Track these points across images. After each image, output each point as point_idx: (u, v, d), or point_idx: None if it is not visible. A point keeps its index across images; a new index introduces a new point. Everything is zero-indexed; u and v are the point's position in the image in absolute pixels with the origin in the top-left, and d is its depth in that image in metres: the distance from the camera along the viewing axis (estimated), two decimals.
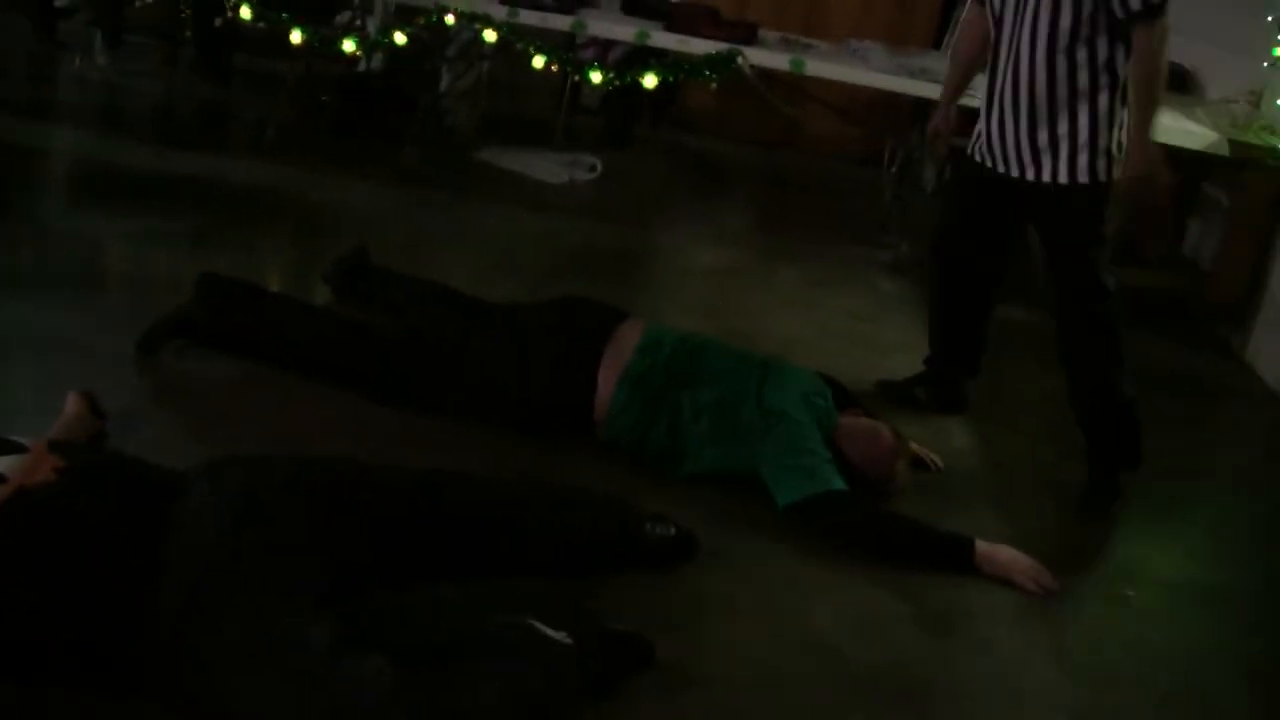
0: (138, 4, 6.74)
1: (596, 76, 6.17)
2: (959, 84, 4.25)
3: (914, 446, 3.79)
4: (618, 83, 6.15)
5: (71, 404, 3.16)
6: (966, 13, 4.15)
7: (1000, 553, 3.33)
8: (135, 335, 3.72)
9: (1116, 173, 3.69)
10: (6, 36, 7.45)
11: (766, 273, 5.73)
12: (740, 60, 6.00)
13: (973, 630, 3.13)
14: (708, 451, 3.50)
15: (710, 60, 6.03)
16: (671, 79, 6.25)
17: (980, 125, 3.92)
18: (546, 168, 6.58)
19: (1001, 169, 3.84)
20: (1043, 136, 3.71)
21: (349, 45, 6.22)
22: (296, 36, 6.12)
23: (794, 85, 6.86)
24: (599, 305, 3.80)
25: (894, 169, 6.72)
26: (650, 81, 6.11)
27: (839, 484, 3.36)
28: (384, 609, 2.49)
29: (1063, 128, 3.68)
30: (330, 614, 2.22)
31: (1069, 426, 3.86)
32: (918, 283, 5.17)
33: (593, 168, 6.74)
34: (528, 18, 6.13)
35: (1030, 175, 3.77)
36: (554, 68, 6.22)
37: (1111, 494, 3.86)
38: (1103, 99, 3.65)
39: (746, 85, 6.40)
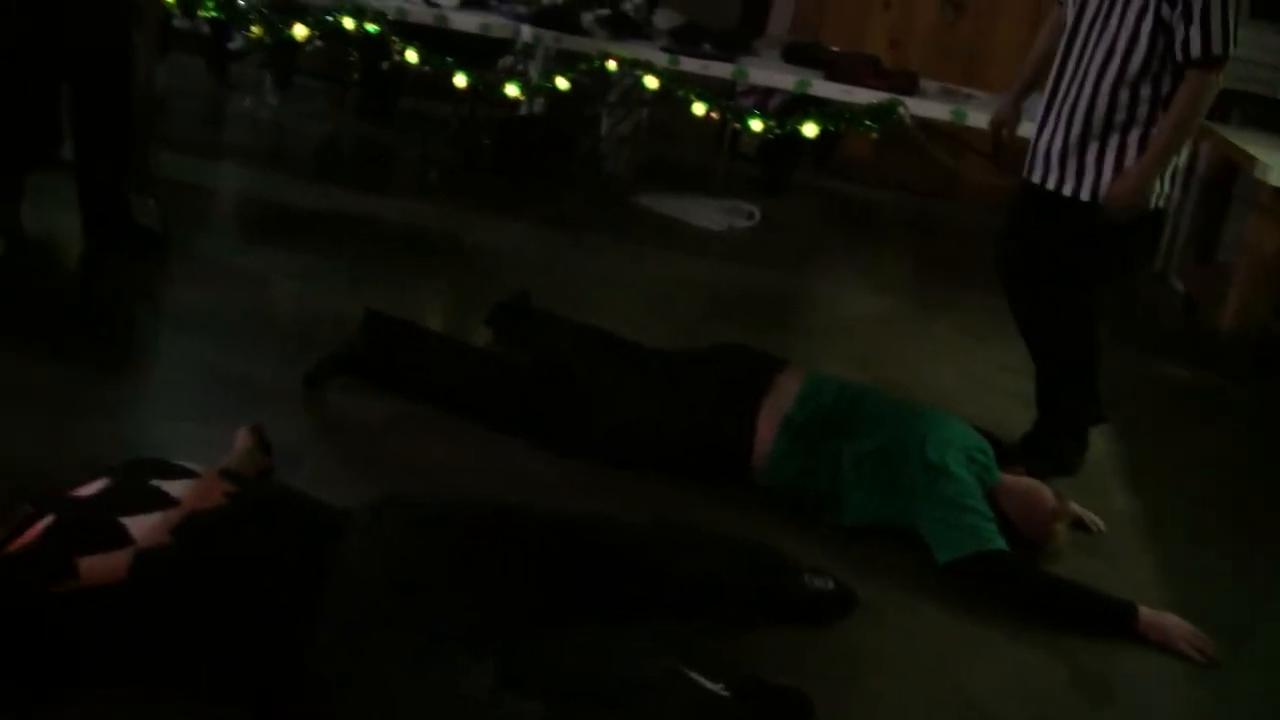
0: (308, 48, 6.92)
1: (756, 125, 6.18)
2: (1032, 79, 4.24)
3: (1074, 507, 3.72)
4: (777, 131, 6.16)
5: (241, 439, 3.25)
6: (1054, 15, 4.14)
7: (1164, 619, 3.25)
8: (300, 371, 3.81)
9: (1151, 205, 3.80)
10: (183, 78, 7.70)
11: (921, 322, 5.68)
12: (901, 110, 5.98)
13: (1133, 697, 3.04)
14: (866, 502, 3.47)
15: (871, 110, 6.02)
16: (833, 128, 6.24)
17: (1032, 139, 3.98)
18: (704, 213, 6.61)
19: (1047, 183, 3.89)
20: (1090, 154, 3.78)
21: (511, 90, 6.31)
22: (460, 80, 6.23)
23: (952, 135, 6.81)
24: (758, 352, 3.80)
25: None
26: (811, 130, 6.11)
27: (1000, 543, 3.30)
28: (538, 651, 2.50)
29: (1111, 149, 3.75)
30: (490, 655, 2.23)
31: (1234, 490, 3.76)
32: None
33: (750, 214, 6.75)
34: (688, 65, 6.18)
35: (1068, 190, 3.82)
36: (713, 115, 6.25)
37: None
38: (1155, 131, 3.70)
39: (905, 134, 6.37)
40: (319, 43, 6.80)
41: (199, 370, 3.93)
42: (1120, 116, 3.72)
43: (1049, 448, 4.10)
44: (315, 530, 2.43)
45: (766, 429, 3.53)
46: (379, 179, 6.80)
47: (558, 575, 2.57)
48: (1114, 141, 3.74)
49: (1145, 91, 3.68)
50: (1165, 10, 3.57)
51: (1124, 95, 3.70)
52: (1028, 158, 4.00)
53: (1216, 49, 3.55)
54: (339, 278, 4.91)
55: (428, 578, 2.32)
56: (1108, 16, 3.69)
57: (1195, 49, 3.55)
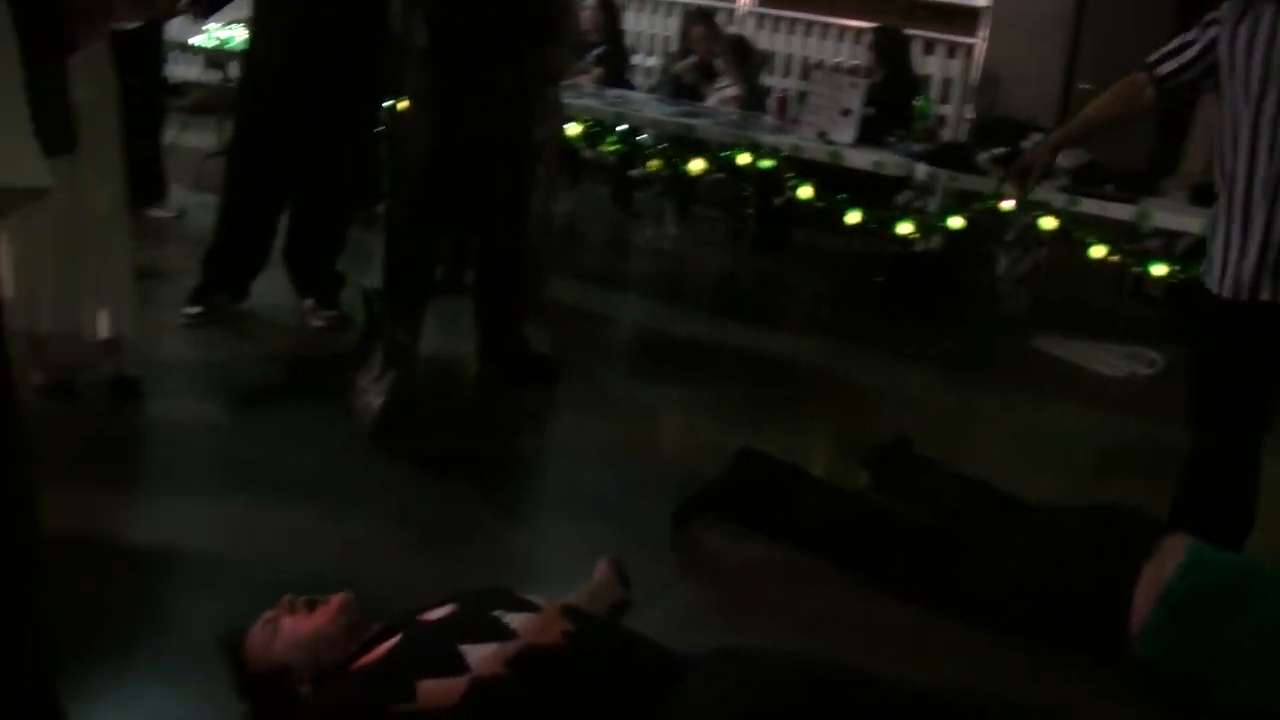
0: (707, 180, 7.08)
1: (1159, 269, 5.90)
2: (1081, 139, 4.02)
3: None
4: (1181, 275, 5.84)
5: (600, 570, 3.27)
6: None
7: None
8: (670, 505, 3.81)
9: None
10: (589, 205, 8.01)
11: None
12: None
13: None
14: (1253, 687, 3.16)
15: None
16: None
17: (1234, 257, 3.50)
18: (1103, 359, 6.30)
19: None
20: None
21: (904, 227, 6.24)
22: (853, 217, 6.21)
23: None
24: (1142, 517, 3.55)
25: None
26: None
27: None
28: None
29: None
30: None
31: None
32: None
33: (1153, 362, 6.40)
34: (1088, 206, 5.96)
35: None
36: (1114, 258, 5.99)
37: None
38: None
39: None
40: (718, 174, 6.94)
41: (573, 497, 4.02)
42: None
43: None
44: (649, 678, 2.39)
45: (1145, 599, 3.28)
46: (770, 313, 6.83)
47: None
48: None
49: None
50: None
51: None
52: (1241, 278, 3.51)
53: None
54: (724, 411, 4.93)
55: None
56: None
57: None
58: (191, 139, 8.24)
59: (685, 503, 3.82)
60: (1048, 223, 5.98)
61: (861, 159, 6.32)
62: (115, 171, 4.23)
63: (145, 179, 6.20)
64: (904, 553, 3.63)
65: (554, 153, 5.85)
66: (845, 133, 6.42)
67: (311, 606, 2.73)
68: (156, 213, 6.67)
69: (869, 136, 6.49)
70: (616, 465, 4.28)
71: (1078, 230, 5.94)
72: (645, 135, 6.94)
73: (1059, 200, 5.96)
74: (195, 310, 5.26)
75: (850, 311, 6.61)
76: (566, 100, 6.34)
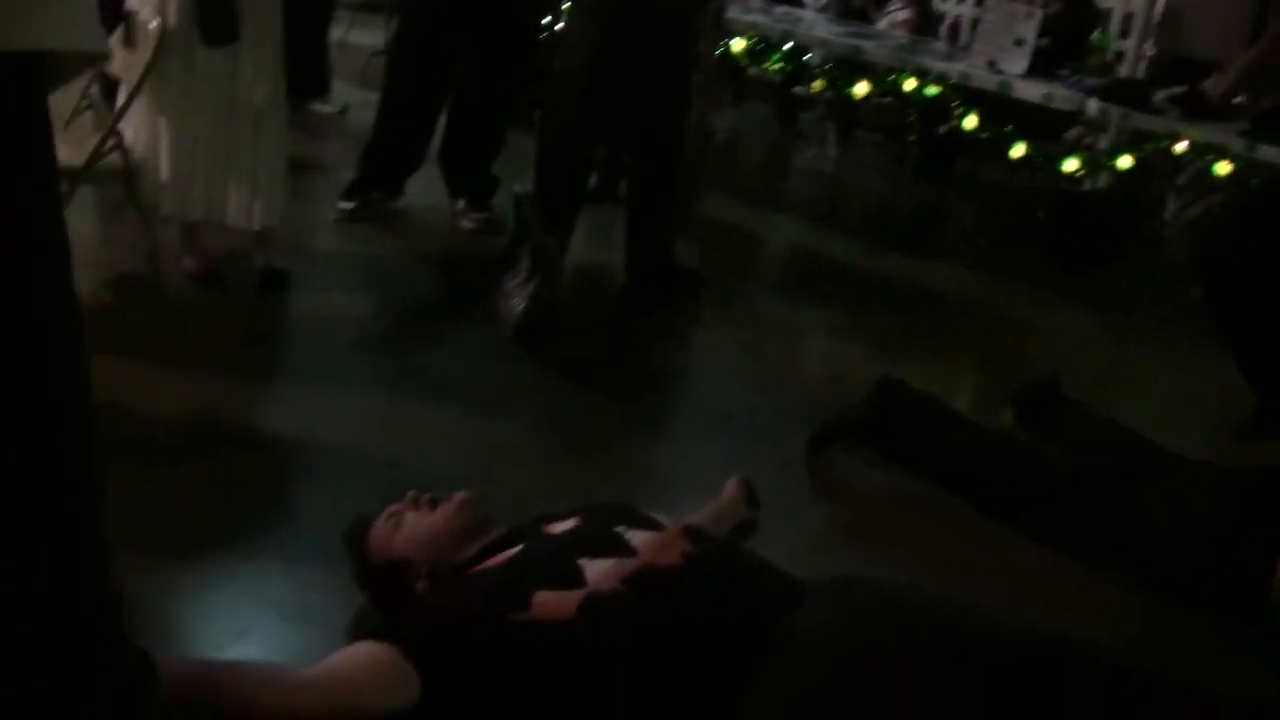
0: (871, 103, 6.94)
1: None
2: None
3: None
4: None
5: (730, 488, 3.23)
6: None
7: None
8: (809, 429, 3.76)
9: None
10: (751, 123, 7.92)
11: None
12: None
13: None
14: None
15: None
16: None
17: None
18: None
19: None
20: None
21: (1070, 164, 6.05)
22: (1018, 150, 6.04)
23: None
24: None
25: None
26: None
27: None
28: None
29: None
30: None
31: None
32: None
33: None
34: (1268, 154, 5.70)
35: None
36: None
37: None
38: None
39: None
40: (883, 98, 6.80)
41: (713, 413, 3.99)
42: None
43: None
44: (769, 603, 2.34)
45: None
46: (927, 242, 6.70)
47: (1006, 703, 2.25)
48: None
49: None
50: None
51: None
52: None
53: None
54: (871, 338, 4.85)
55: (875, 680, 2.15)
56: None
57: None
58: (359, 36, 8.30)
59: (823, 427, 3.77)
60: (1222, 168, 5.75)
61: (1031, 91, 6.12)
62: (275, 65, 4.26)
63: (310, 74, 6.28)
64: (1047, 497, 3.53)
65: (714, 67, 5.77)
66: (1017, 63, 6.22)
67: (435, 504, 2.75)
68: (319, 107, 6.75)
69: (1041, 68, 6.26)
70: (758, 385, 4.23)
71: (1254, 177, 5.70)
72: (811, 55, 6.81)
73: (1236, 145, 5.71)
74: (350, 205, 5.31)
75: (1009, 247, 6.45)
76: (732, 15, 6.24)
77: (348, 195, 5.33)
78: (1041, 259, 6.32)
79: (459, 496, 2.75)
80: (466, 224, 5.45)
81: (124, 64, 4.06)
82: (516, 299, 4.37)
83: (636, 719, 2.30)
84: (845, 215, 6.99)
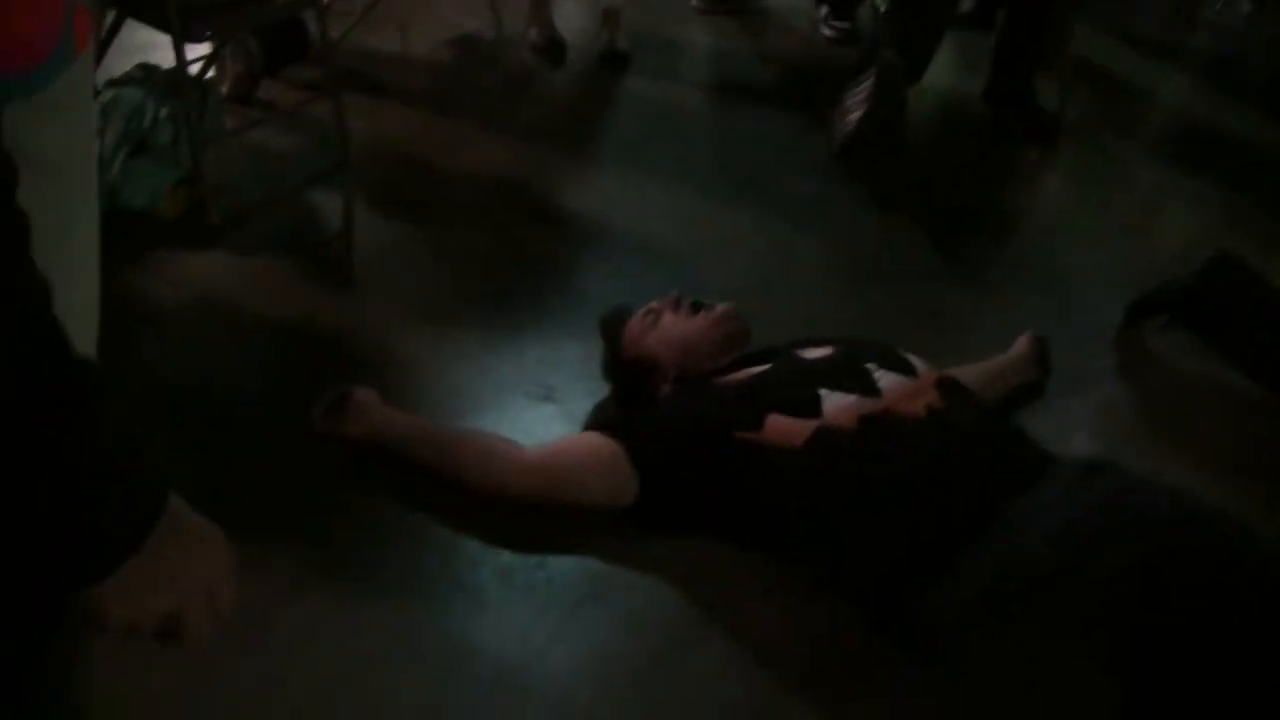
0: None
1: None
2: None
3: None
4: None
5: (1020, 344, 3.05)
6: None
7: None
8: (1128, 296, 3.46)
9: None
10: None
11: None
12: None
13: None
14: None
15: None
16: None
17: None
18: None
19: None
20: None
21: None
22: None
23: None
24: None
25: None
26: None
27: None
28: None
29: None
30: (1127, 677, 1.84)
31: None
32: None
33: None
34: None
35: None
36: None
37: None
38: None
39: None
40: None
41: (1031, 265, 3.71)
42: None
43: None
44: (1007, 473, 2.15)
45: None
46: None
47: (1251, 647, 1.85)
48: None
49: None
50: None
51: None
52: None
53: None
54: (1244, 219, 4.37)
55: (1096, 570, 1.91)
56: None
57: None
58: None
59: (1144, 296, 3.45)
60: None
61: None
62: None
63: None
64: None
65: None
66: None
67: (696, 309, 2.68)
68: None
69: None
70: (1094, 244, 3.90)
71: None
72: None
73: None
74: None
75: None
76: None
77: None
78: None
79: (721, 307, 2.67)
80: (826, 32, 5.24)
81: None
82: (853, 114, 4.18)
83: (839, 561, 2.20)
84: (1242, 79, 6.38)
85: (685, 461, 2.33)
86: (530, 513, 2.35)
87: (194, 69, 3.43)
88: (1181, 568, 1.86)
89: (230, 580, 1.00)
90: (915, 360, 2.48)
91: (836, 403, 2.30)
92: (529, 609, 2.21)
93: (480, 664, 2.10)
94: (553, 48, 4.48)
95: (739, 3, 5.24)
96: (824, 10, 5.26)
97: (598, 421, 2.51)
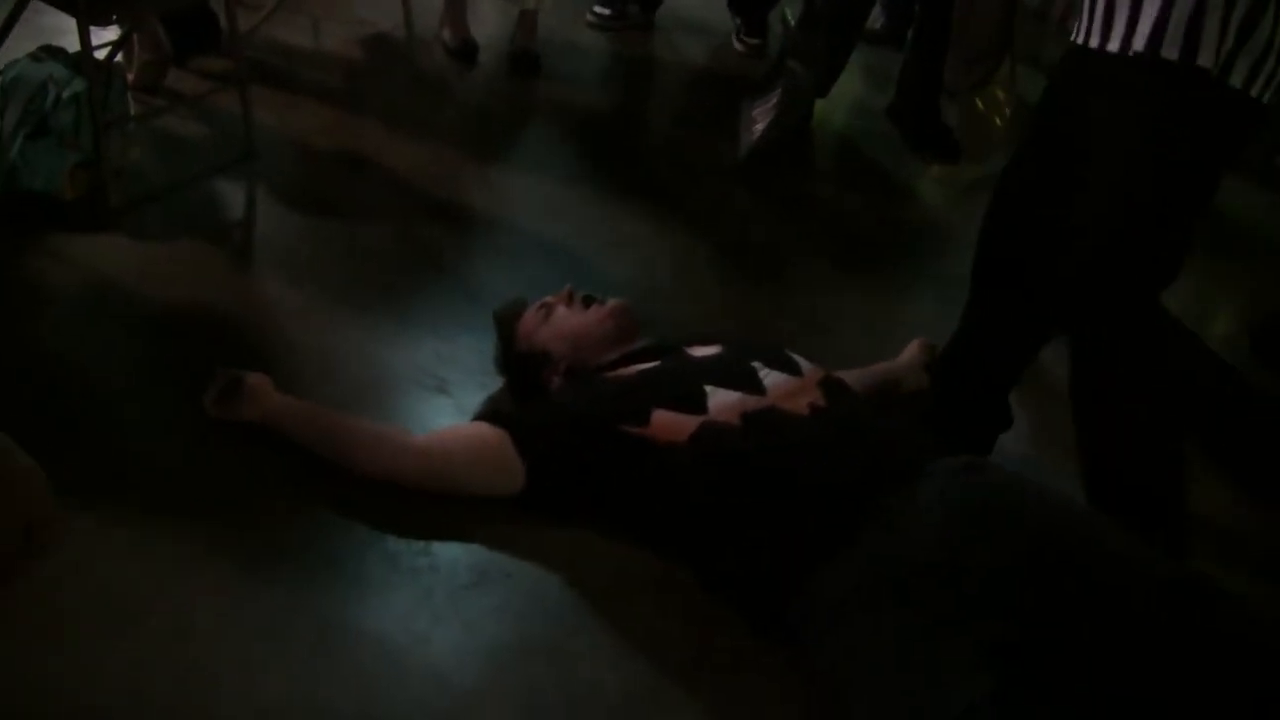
0: None
1: None
2: None
3: None
4: None
5: (910, 350, 3.12)
6: None
7: None
8: None
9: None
10: None
11: None
12: None
13: None
14: None
15: None
16: None
17: None
18: None
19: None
20: None
21: None
22: None
23: None
24: None
25: None
26: None
27: None
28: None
29: None
30: (995, 673, 1.88)
31: None
32: None
33: None
34: None
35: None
36: None
37: None
38: None
39: None
40: None
41: (922, 275, 3.78)
42: None
43: None
44: (886, 472, 2.19)
45: None
46: None
47: (1122, 640, 1.87)
48: None
49: None
50: None
51: None
52: None
53: None
54: None
55: (968, 577, 1.94)
56: None
57: None
58: None
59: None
60: None
61: None
62: None
63: None
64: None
65: None
66: None
67: (587, 304, 2.72)
68: None
69: None
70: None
71: None
72: None
73: None
74: (605, 12, 5.21)
75: None
76: None
77: (605, 1, 5.22)
78: None
79: (614, 302, 2.71)
80: (738, 46, 5.29)
81: None
82: (758, 124, 4.24)
83: (719, 555, 2.24)
84: None
85: (570, 452, 2.36)
86: (418, 499, 2.37)
87: (100, 54, 3.42)
88: (1046, 566, 1.93)
89: (54, 520, 0.99)
90: (802, 361, 2.52)
91: (721, 399, 2.33)
92: (412, 594, 2.23)
93: (361, 648, 2.10)
94: (465, 49, 4.50)
95: (629, 21, 5.25)
96: (737, 22, 5.32)
97: (487, 412, 2.54)
